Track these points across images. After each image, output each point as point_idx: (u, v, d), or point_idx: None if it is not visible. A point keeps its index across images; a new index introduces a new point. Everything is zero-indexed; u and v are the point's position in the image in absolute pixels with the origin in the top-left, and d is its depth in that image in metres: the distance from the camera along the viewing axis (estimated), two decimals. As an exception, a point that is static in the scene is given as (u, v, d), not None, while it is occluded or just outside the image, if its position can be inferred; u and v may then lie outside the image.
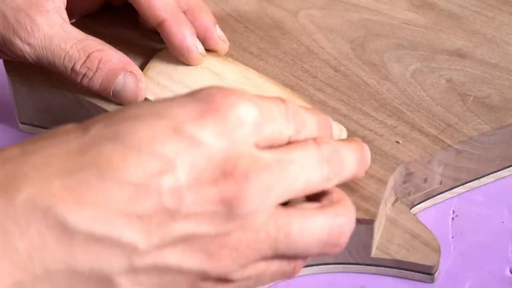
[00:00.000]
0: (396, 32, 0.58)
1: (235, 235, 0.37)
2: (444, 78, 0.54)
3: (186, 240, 0.36)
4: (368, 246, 0.47)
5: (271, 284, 0.45)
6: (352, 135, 0.51)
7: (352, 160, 0.42)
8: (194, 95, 0.38)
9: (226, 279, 0.37)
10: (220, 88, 0.38)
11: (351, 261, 0.48)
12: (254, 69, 0.55)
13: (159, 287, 0.37)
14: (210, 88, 0.38)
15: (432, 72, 0.55)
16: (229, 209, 0.36)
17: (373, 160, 0.49)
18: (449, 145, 0.50)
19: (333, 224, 0.39)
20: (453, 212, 0.52)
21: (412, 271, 0.48)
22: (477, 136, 0.50)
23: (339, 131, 0.48)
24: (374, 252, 0.48)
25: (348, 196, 0.47)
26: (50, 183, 0.34)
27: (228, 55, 0.56)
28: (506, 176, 0.54)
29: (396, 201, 0.50)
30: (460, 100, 0.53)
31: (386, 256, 0.48)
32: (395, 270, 0.48)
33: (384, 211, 0.49)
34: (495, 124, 0.51)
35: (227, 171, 0.36)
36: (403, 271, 0.48)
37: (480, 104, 0.52)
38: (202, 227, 0.36)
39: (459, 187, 0.53)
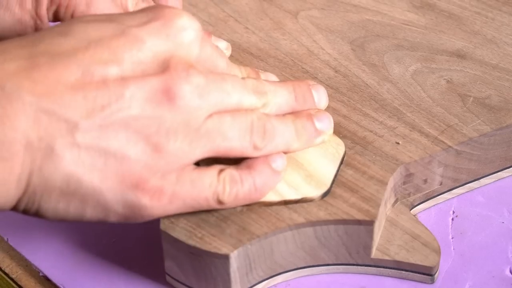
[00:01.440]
0: (396, 33, 0.58)
1: (173, 122, 0.40)
2: (444, 79, 0.55)
3: (128, 125, 0.39)
4: (368, 247, 0.47)
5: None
6: (352, 135, 0.51)
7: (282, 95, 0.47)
8: (144, 9, 0.42)
9: (164, 174, 0.41)
10: (168, 6, 0.42)
11: (351, 262, 0.48)
12: (254, 70, 0.55)
13: (102, 170, 0.40)
14: (160, 6, 0.42)
15: (432, 72, 0.55)
16: (171, 97, 0.40)
17: (373, 161, 0.49)
18: (449, 146, 0.50)
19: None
20: (453, 212, 0.52)
21: (412, 272, 0.48)
22: (477, 137, 0.51)
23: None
24: (374, 253, 0.48)
25: (348, 197, 0.47)
26: (6, 65, 0.38)
27: (228, 55, 0.56)
28: (506, 176, 0.54)
29: (396, 202, 0.50)
30: (460, 100, 0.53)
31: (386, 257, 0.48)
32: (395, 271, 0.48)
33: (384, 212, 0.49)
34: (495, 125, 0.51)
35: (170, 66, 0.40)
36: (403, 272, 0.48)
37: (480, 104, 0.53)
38: (145, 111, 0.40)
39: (459, 188, 0.53)
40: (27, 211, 0.41)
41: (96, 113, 0.39)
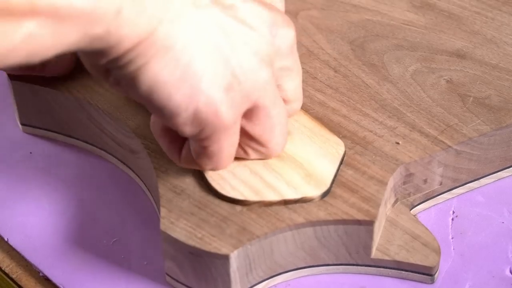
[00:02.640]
0: (396, 33, 0.58)
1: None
2: (444, 79, 0.54)
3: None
4: (368, 247, 0.47)
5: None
6: (352, 135, 0.51)
7: None
8: None
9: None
10: None
11: (351, 262, 0.48)
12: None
13: (216, 57, 0.41)
14: None
15: (432, 72, 0.55)
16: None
17: (373, 161, 0.49)
18: (449, 146, 0.50)
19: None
20: (453, 212, 0.52)
21: (412, 272, 0.48)
22: (477, 137, 0.51)
23: None
24: (374, 253, 0.48)
25: (348, 197, 0.47)
26: None
27: None
28: (506, 176, 0.54)
29: (396, 202, 0.50)
30: (460, 100, 0.53)
31: (386, 257, 0.48)
32: (395, 271, 0.48)
33: (384, 212, 0.49)
34: (495, 125, 0.51)
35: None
36: (403, 272, 0.48)
37: (480, 104, 0.53)
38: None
39: (459, 188, 0.53)
40: (125, 67, 0.40)
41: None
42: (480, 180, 0.53)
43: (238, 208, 0.46)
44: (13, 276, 0.50)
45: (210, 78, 0.41)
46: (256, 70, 0.43)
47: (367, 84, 0.54)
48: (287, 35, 0.45)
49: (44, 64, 0.54)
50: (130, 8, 0.37)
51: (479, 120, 0.51)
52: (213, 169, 0.47)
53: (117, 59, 0.39)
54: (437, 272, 0.48)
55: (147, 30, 0.39)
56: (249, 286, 0.47)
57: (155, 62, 0.40)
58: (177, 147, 0.46)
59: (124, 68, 0.40)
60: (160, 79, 0.40)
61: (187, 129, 0.42)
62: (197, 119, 0.42)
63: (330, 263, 0.48)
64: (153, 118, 0.46)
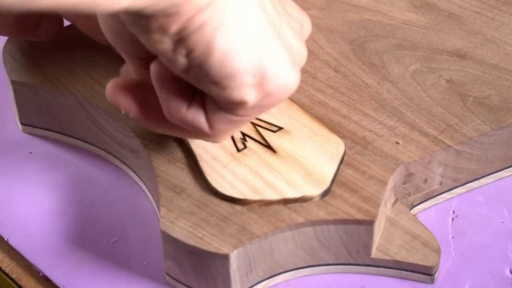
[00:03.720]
0: (396, 33, 0.58)
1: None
2: (444, 79, 0.54)
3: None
4: (368, 247, 0.47)
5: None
6: (352, 135, 0.51)
7: None
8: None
9: None
10: None
11: (351, 261, 0.48)
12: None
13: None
14: None
15: (432, 72, 0.55)
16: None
17: (373, 161, 0.49)
18: (449, 146, 0.50)
19: None
20: (453, 212, 0.52)
21: (412, 271, 0.48)
22: (477, 137, 0.51)
23: None
24: (374, 253, 0.48)
25: (348, 196, 0.47)
26: None
27: None
28: (506, 176, 0.54)
29: (396, 201, 0.50)
30: (460, 100, 0.53)
31: (386, 257, 0.48)
32: (395, 270, 0.48)
33: (384, 212, 0.49)
34: (495, 125, 0.51)
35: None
36: (403, 271, 0.48)
37: (480, 104, 0.53)
38: None
39: (459, 188, 0.53)
40: (201, 28, 0.39)
41: None
42: (480, 180, 0.53)
43: (238, 207, 0.46)
44: (13, 276, 0.50)
45: (278, 50, 0.42)
46: (301, 52, 0.44)
47: (367, 84, 0.54)
48: (308, 24, 0.47)
49: (36, 27, 0.54)
50: None
51: (479, 120, 0.51)
52: (210, 139, 0.46)
53: (191, 20, 0.39)
54: (437, 272, 0.48)
55: None
56: (249, 285, 0.47)
57: (229, 24, 0.39)
58: (185, 101, 0.44)
59: (199, 31, 0.39)
60: (236, 44, 0.40)
61: (250, 97, 0.42)
62: (264, 88, 0.42)
63: (330, 262, 0.48)
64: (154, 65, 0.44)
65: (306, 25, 0.46)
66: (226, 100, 0.42)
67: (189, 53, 0.40)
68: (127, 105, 0.45)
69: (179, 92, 0.43)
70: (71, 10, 0.36)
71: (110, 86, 0.45)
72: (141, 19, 0.39)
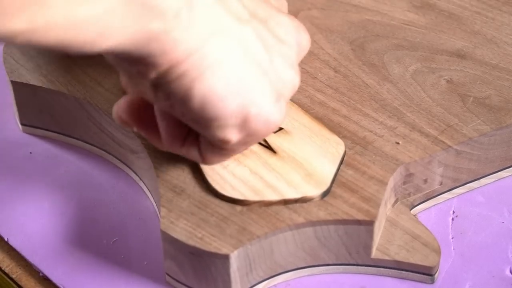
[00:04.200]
0: (396, 33, 0.58)
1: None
2: (444, 79, 0.54)
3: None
4: (368, 247, 0.47)
5: None
6: (352, 135, 0.51)
7: None
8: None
9: None
10: None
11: (352, 262, 0.48)
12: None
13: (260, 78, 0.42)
14: None
15: (432, 72, 0.55)
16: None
17: (373, 161, 0.49)
18: (449, 146, 0.50)
19: None
20: (453, 212, 0.52)
21: (412, 272, 0.48)
22: (477, 137, 0.51)
23: None
24: (374, 253, 0.48)
25: (348, 197, 0.47)
26: None
27: None
28: (506, 176, 0.54)
29: (396, 202, 0.50)
30: (460, 100, 0.53)
31: (386, 257, 0.48)
32: (395, 271, 0.48)
33: (384, 212, 0.49)
34: (495, 125, 0.51)
35: None
36: (403, 272, 0.48)
37: (480, 104, 0.53)
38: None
39: (459, 188, 0.53)
40: (178, 80, 0.40)
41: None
42: (480, 180, 0.53)
43: (238, 208, 0.46)
44: (13, 276, 0.50)
45: (260, 89, 0.42)
46: (292, 81, 0.44)
47: (367, 84, 0.54)
48: (307, 41, 0.46)
49: None
50: (187, 14, 0.38)
51: (479, 120, 0.51)
52: (209, 164, 0.47)
53: (169, 70, 0.39)
54: (437, 272, 0.48)
55: (201, 39, 0.39)
56: (249, 286, 0.47)
57: (210, 74, 0.40)
58: (181, 135, 0.46)
59: (177, 81, 0.40)
60: (216, 91, 0.40)
61: (233, 137, 0.43)
62: (246, 128, 0.42)
63: (330, 263, 0.48)
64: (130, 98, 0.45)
65: (304, 43, 0.46)
66: (210, 138, 0.43)
67: (168, 97, 0.41)
68: (136, 126, 0.46)
69: (175, 126, 0.45)
70: (51, 49, 0.36)
71: (116, 109, 0.46)
72: (122, 61, 0.40)
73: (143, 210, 0.53)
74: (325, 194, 0.47)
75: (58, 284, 0.49)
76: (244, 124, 0.42)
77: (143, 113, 0.45)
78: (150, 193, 0.53)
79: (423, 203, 0.52)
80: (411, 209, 0.51)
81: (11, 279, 0.50)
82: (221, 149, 0.44)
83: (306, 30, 0.46)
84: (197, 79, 0.40)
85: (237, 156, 0.48)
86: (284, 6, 0.53)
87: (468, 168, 0.52)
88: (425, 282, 0.48)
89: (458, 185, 0.53)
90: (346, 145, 0.50)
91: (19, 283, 0.50)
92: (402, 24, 0.59)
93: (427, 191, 0.52)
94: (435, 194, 0.52)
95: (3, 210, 0.53)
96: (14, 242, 0.51)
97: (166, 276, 0.49)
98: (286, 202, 0.46)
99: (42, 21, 0.34)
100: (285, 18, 0.45)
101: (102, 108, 0.53)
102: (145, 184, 0.53)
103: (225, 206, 0.47)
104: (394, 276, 0.48)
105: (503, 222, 0.52)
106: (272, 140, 0.50)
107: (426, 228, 0.49)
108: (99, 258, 0.50)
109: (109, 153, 0.55)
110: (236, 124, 0.42)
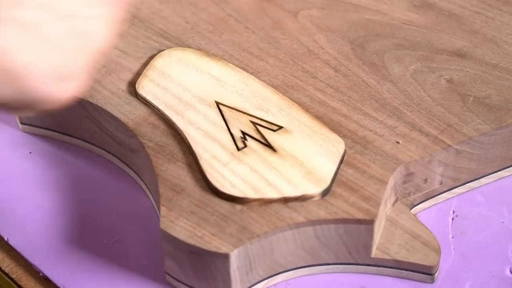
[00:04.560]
0: (396, 32, 0.58)
1: None
2: (444, 78, 0.54)
3: None
4: (368, 247, 0.47)
5: None
6: (352, 135, 0.51)
7: None
8: None
9: None
10: None
11: (351, 261, 0.48)
12: (255, 69, 0.55)
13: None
14: None
15: (432, 72, 0.55)
16: None
17: (373, 160, 0.49)
18: (449, 145, 0.50)
19: None
20: (453, 212, 0.52)
21: (412, 271, 0.48)
22: (477, 136, 0.51)
23: None
24: (374, 253, 0.48)
25: (348, 196, 0.47)
26: None
27: (228, 55, 0.56)
28: (506, 176, 0.54)
29: (396, 201, 0.50)
30: (460, 100, 0.53)
31: (386, 256, 0.48)
32: (395, 270, 0.48)
33: (384, 212, 0.49)
34: (495, 124, 0.51)
35: None
36: (403, 271, 0.48)
37: (480, 104, 0.53)
38: None
39: (459, 187, 0.53)
40: None
41: None
42: (480, 179, 0.53)
43: (238, 207, 0.46)
44: (13, 276, 0.50)
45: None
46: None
47: (367, 84, 0.54)
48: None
49: None
50: None
51: (479, 120, 0.51)
52: None
53: None
54: (437, 271, 0.48)
55: None
56: (249, 285, 0.47)
57: None
58: None
59: None
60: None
61: None
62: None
63: (330, 262, 0.48)
64: None
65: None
66: None
67: None
68: None
69: None
70: None
71: None
72: None
73: (143, 210, 0.53)
74: (326, 192, 0.47)
75: (58, 284, 0.49)
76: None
77: None
78: (150, 192, 0.53)
79: (423, 203, 0.52)
80: (411, 209, 0.51)
81: (11, 279, 0.50)
82: None
83: None
84: None
85: (237, 154, 0.48)
86: None
87: (468, 168, 0.52)
88: (425, 282, 0.48)
89: (458, 184, 0.53)
90: (346, 144, 0.50)
91: (19, 283, 0.50)
92: (402, 23, 0.59)
93: (427, 191, 0.52)
94: (435, 194, 0.52)
95: (3, 210, 0.53)
96: (14, 242, 0.51)
97: (166, 275, 0.49)
98: (286, 200, 0.46)
99: None
100: None
101: (102, 108, 0.53)
102: (145, 183, 0.53)
103: (225, 205, 0.47)
104: (394, 275, 0.48)
105: (503, 222, 0.52)
106: (272, 138, 0.50)
107: (426, 228, 0.49)
108: (99, 258, 0.50)
109: (109, 152, 0.55)
110: None
